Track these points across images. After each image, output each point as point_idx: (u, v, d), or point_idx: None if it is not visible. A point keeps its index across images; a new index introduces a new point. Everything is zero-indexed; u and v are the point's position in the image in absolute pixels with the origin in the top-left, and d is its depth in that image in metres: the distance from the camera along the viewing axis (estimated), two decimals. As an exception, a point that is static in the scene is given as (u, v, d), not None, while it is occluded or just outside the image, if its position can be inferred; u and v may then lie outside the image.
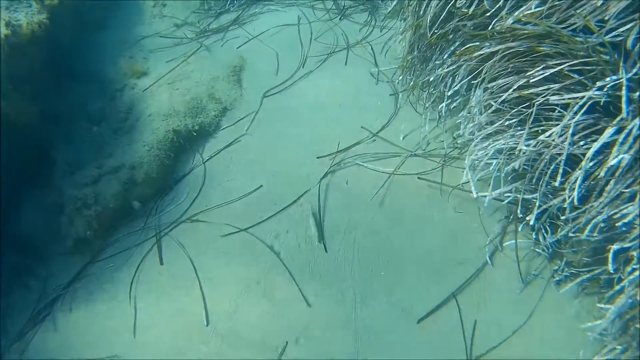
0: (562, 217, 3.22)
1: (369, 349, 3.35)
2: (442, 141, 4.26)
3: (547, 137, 3.12)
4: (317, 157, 4.39)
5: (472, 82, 3.74)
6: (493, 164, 3.51)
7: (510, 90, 3.30)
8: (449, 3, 3.79)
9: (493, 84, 3.50)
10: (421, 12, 4.12)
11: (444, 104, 4.02)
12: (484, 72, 3.58)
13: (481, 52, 3.54)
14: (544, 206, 3.33)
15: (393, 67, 5.03)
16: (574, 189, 3.02)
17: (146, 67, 5.55)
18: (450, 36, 3.92)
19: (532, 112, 3.19)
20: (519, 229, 3.60)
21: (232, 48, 5.77)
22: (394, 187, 4.08)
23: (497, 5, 3.42)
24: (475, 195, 3.62)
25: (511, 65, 3.43)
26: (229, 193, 4.35)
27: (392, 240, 3.81)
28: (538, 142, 3.19)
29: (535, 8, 3.17)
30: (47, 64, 4.75)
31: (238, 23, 6.10)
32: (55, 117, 4.90)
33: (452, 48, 3.92)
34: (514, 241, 3.62)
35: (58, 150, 4.65)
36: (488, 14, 3.53)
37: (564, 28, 3.07)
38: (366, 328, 3.44)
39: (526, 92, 3.25)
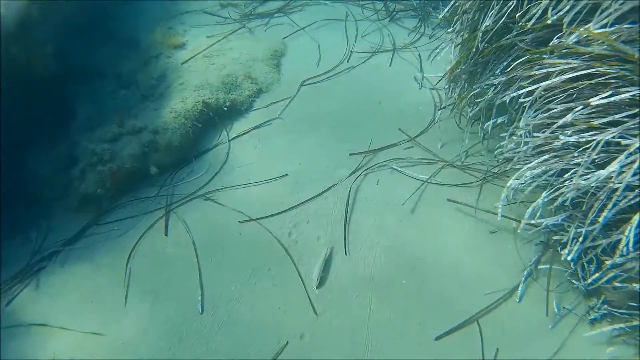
0: (608, 262, 2.92)
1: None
2: (482, 154, 4.01)
3: (608, 172, 2.81)
4: (350, 154, 4.14)
5: (523, 100, 3.46)
6: (532, 187, 3.23)
7: (569, 117, 3.01)
8: (506, 14, 3.52)
9: (547, 108, 3.22)
10: (475, 22, 3.85)
11: (490, 123, 3.76)
12: (537, 92, 3.30)
13: (536, 72, 3.27)
14: (589, 243, 3.03)
15: (438, 75, 4.79)
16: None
17: (185, 39, 5.40)
18: (504, 51, 3.66)
19: (594, 146, 2.89)
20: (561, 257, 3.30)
21: (275, 34, 5.62)
22: (427, 196, 3.82)
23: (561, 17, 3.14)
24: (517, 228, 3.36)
25: (570, 87, 3.16)
26: (251, 176, 4.11)
27: (418, 249, 3.54)
28: (596, 178, 2.88)
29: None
30: (83, 18, 4.56)
31: (284, 11, 5.93)
32: (83, 72, 4.72)
33: (504, 63, 3.65)
34: (548, 266, 3.31)
35: (81, 105, 4.46)
36: (549, 29, 3.27)
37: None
38: (377, 337, 3.14)
39: (585, 123, 2.97)
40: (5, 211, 3.93)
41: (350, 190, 3.88)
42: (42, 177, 4.03)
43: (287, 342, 3.12)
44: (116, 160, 3.95)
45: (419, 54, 5.18)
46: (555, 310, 3.17)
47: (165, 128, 4.20)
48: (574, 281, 3.24)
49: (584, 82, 3.00)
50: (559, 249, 3.25)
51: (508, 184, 3.28)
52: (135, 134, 4.13)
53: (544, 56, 3.25)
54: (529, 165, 3.18)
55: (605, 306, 3.12)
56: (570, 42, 2.97)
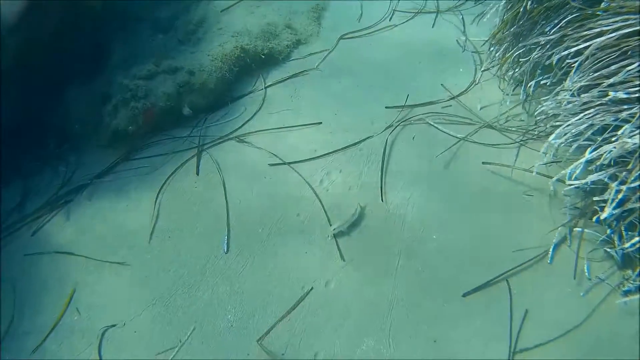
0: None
1: (402, 313, 2.99)
2: (522, 120, 3.86)
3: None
4: (386, 107, 4.05)
5: (571, 60, 3.32)
6: (573, 148, 3.10)
7: (621, 75, 2.87)
8: None
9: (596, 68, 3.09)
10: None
11: (533, 82, 3.63)
12: (589, 50, 3.16)
13: (587, 32, 3.13)
14: (630, 205, 2.91)
15: (482, 39, 4.65)
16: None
17: (226, -14, 5.26)
18: (555, 10, 3.51)
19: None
20: (593, 221, 3.17)
21: (316, -12, 5.45)
22: (462, 154, 3.72)
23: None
24: (551, 186, 3.27)
25: (624, 44, 3.02)
26: (286, 122, 4.04)
27: (451, 206, 3.45)
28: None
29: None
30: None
31: (328, -35, 5.77)
32: (122, 14, 4.66)
33: (555, 22, 3.51)
34: (584, 230, 3.20)
35: (117, 46, 4.41)
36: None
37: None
38: (402, 289, 3.08)
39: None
40: (36, 145, 3.93)
41: (387, 142, 3.79)
42: (75, 112, 4.00)
43: (312, 288, 3.06)
44: (150, 97, 3.90)
45: (462, 17, 5.02)
46: (587, 276, 3.06)
47: (201, 70, 4.14)
48: (607, 249, 3.10)
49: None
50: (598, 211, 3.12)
51: (550, 139, 3.17)
52: (170, 74, 4.08)
53: (599, 13, 3.10)
54: (574, 119, 3.05)
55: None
56: None
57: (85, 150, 4.00)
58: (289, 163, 3.73)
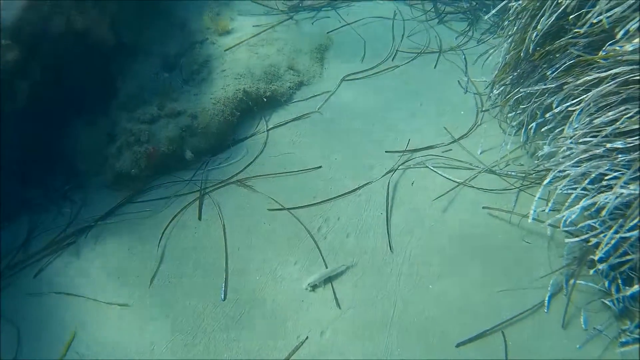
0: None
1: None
2: (522, 164, 3.89)
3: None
4: (386, 152, 4.09)
5: (571, 109, 3.36)
6: (573, 195, 3.12)
7: (621, 122, 2.91)
8: (560, 18, 3.42)
9: (598, 115, 3.11)
10: (526, 25, 3.75)
11: (534, 123, 3.66)
12: (588, 98, 3.19)
13: (589, 78, 3.17)
14: (628, 257, 2.92)
15: (483, 80, 4.70)
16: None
17: (231, 27, 5.37)
18: (557, 55, 3.55)
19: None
20: (590, 272, 3.18)
21: (321, 27, 5.60)
22: (461, 199, 3.74)
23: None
24: (548, 231, 3.30)
25: (623, 91, 3.05)
26: (287, 166, 4.09)
27: (449, 253, 3.47)
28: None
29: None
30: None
31: (332, 5, 5.90)
32: (130, 49, 4.75)
33: (555, 66, 3.55)
34: (581, 282, 3.21)
35: (123, 82, 4.50)
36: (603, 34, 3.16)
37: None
38: (399, 338, 3.08)
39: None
40: (42, 182, 4.00)
41: (388, 188, 3.84)
42: (80, 151, 4.10)
43: (307, 337, 3.08)
44: (153, 141, 3.97)
45: (465, 58, 5.08)
46: (584, 327, 3.05)
47: (204, 113, 4.21)
48: (604, 300, 3.10)
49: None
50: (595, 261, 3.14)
51: (544, 182, 3.20)
52: (173, 117, 4.16)
53: (601, 61, 3.14)
54: (569, 163, 3.07)
55: (638, 330, 3.00)
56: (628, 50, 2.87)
57: (90, 189, 4.07)
58: (289, 209, 3.75)
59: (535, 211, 3.31)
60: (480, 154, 4.08)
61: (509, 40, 3.89)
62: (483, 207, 3.65)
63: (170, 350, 3.08)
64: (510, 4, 3.91)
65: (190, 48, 5.04)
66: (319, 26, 5.56)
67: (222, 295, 3.31)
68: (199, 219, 3.75)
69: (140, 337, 3.16)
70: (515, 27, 3.83)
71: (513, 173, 3.83)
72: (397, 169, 3.99)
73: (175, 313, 3.25)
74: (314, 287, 3.27)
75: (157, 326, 3.20)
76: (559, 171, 3.21)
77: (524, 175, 3.79)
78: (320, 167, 4.04)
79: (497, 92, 4.22)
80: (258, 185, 3.95)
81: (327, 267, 3.39)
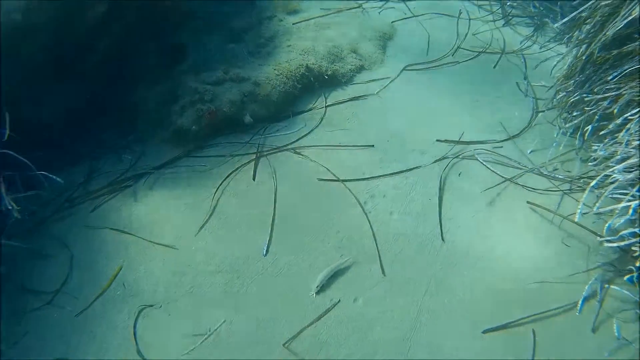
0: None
1: (423, 345, 3.07)
2: (569, 171, 3.91)
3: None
4: (437, 140, 4.17)
5: (630, 117, 3.38)
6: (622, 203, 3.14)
7: None
8: (629, 26, 3.45)
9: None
10: (595, 33, 3.78)
11: (590, 126, 3.69)
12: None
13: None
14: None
15: (542, 85, 4.72)
16: None
17: (300, 6, 5.51)
18: (621, 61, 3.58)
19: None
20: (624, 279, 3.22)
21: (387, 17, 5.68)
22: (508, 195, 3.80)
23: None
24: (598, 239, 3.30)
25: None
26: (341, 141, 4.23)
27: (489, 243, 3.53)
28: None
29: None
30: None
31: (400, -2, 5.98)
32: (200, 20, 4.94)
33: (617, 72, 3.58)
34: (616, 288, 3.23)
35: (191, 50, 4.69)
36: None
37: None
38: (425, 322, 3.16)
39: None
40: (105, 132, 4.22)
41: (441, 177, 3.92)
42: (145, 107, 4.29)
43: (339, 301, 3.19)
44: (215, 102, 4.14)
45: (525, 62, 5.10)
46: (617, 336, 3.05)
47: (266, 82, 4.36)
48: (638, 311, 3.12)
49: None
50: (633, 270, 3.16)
51: (592, 183, 3.23)
52: (237, 82, 4.32)
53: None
54: (623, 164, 3.11)
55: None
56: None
57: (149, 143, 4.27)
58: (343, 180, 3.88)
59: (580, 212, 3.34)
60: (530, 152, 4.12)
61: (577, 46, 3.91)
62: (527, 202, 3.68)
63: (206, 297, 3.25)
64: (580, 15, 3.93)
65: (258, 23, 5.21)
66: (385, 15, 5.66)
67: (264, 251, 3.44)
68: (253, 179, 3.90)
69: (180, 280, 3.34)
70: (584, 35, 3.86)
71: (561, 176, 3.84)
72: (446, 157, 4.04)
73: (216, 262, 3.41)
74: (321, 289, 3.24)
75: (198, 272, 3.38)
76: (605, 175, 3.24)
77: (571, 179, 3.80)
78: (372, 146, 4.14)
79: (558, 96, 4.23)
80: (312, 155, 4.08)
81: (373, 234, 3.49)
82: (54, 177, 3.33)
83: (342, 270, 3.37)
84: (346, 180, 3.88)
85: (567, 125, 4.09)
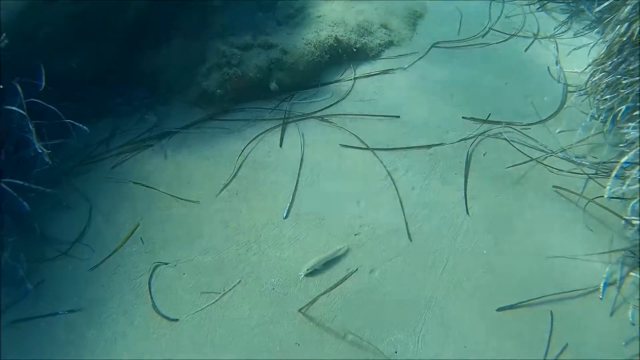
0: None
1: (437, 314, 3.03)
2: (595, 157, 3.83)
3: None
4: (463, 117, 4.12)
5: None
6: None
7: None
8: None
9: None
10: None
11: (624, 107, 3.61)
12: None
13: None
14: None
15: (574, 72, 4.63)
16: None
17: (331, -21, 5.44)
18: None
19: None
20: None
21: (418, -5, 5.59)
22: (533, 175, 3.73)
23: None
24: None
25: None
26: (367, 111, 4.20)
27: (512, 221, 3.47)
28: None
29: None
30: None
31: (434, -23, 5.89)
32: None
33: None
34: (635, 275, 3.15)
35: (219, 16, 4.64)
36: None
37: None
38: (442, 295, 3.11)
39: None
40: (130, 91, 4.22)
41: (468, 153, 3.87)
42: (170, 68, 4.26)
43: (357, 269, 3.16)
44: (242, 66, 4.12)
45: (557, 47, 5.00)
46: (631, 321, 2.98)
47: (294, 51, 4.33)
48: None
49: None
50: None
51: (621, 160, 3.16)
52: (265, 49, 4.29)
53: None
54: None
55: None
56: None
57: (174, 104, 4.28)
58: (373, 149, 3.87)
59: (609, 192, 3.28)
60: (559, 132, 4.06)
61: (619, 24, 3.83)
62: (553, 186, 3.62)
63: (222, 258, 3.23)
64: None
65: (287, -8, 5.16)
66: (418, -6, 5.58)
67: (285, 214, 3.43)
68: (280, 144, 3.92)
69: (197, 240, 3.33)
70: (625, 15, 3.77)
71: (587, 162, 3.77)
72: (472, 136, 3.99)
73: (236, 224, 3.40)
74: (312, 272, 3.13)
75: (215, 232, 3.37)
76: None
77: (598, 163, 3.73)
78: (398, 116, 4.11)
79: (594, 78, 4.14)
80: (339, 124, 4.07)
81: (406, 221, 3.45)
82: (81, 125, 3.30)
83: (361, 243, 3.33)
84: (371, 149, 3.87)
85: (601, 107, 3.99)
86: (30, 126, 3.03)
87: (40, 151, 3.03)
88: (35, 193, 3.05)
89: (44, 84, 3.12)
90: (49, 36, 3.37)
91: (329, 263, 3.18)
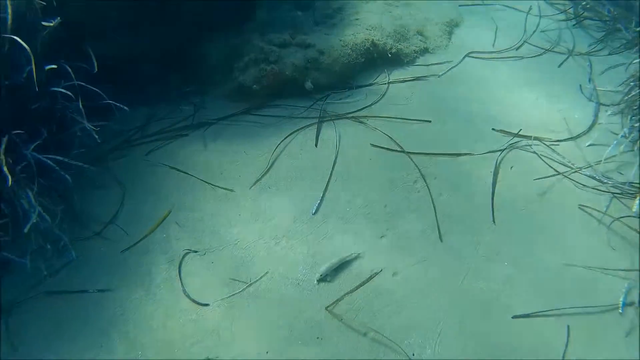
0: None
1: (455, 320, 3.08)
2: (622, 173, 3.86)
3: None
4: (493, 129, 4.16)
5: None
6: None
7: None
8: None
9: None
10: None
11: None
12: None
13: None
14: None
15: (608, 90, 4.64)
16: None
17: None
18: None
19: None
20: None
21: (455, 3, 5.63)
22: (559, 189, 3.78)
23: None
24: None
25: None
26: (400, 115, 4.27)
27: (535, 233, 3.52)
28: None
29: None
30: None
31: (471, -14, 5.93)
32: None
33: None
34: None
35: (259, 10, 4.71)
36: None
37: None
38: (464, 300, 3.17)
39: None
40: (167, 81, 4.30)
41: (496, 164, 3.92)
42: (208, 61, 4.35)
43: (381, 270, 3.23)
44: (279, 63, 4.20)
45: (591, 65, 5.01)
46: None
47: (331, 52, 4.40)
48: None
49: None
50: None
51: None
52: (302, 48, 4.37)
53: None
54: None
55: None
56: None
57: (210, 96, 4.37)
58: (409, 153, 3.94)
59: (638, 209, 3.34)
60: (588, 146, 4.10)
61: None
62: (579, 205, 3.65)
63: (251, 250, 3.33)
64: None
65: (326, -7, 5.22)
66: (454, 1, 5.61)
67: (314, 210, 3.52)
68: (316, 142, 4.00)
69: (226, 231, 3.43)
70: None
71: (612, 182, 3.80)
72: (502, 148, 4.04)
73: (266, 216, 3.50)
74: (325, 278, 3.18)
75: (246, 225, 3.46)
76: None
77: (624, 182, 3.76)
78: (429, 121, 4.19)
79: (629, 95, 4.16)
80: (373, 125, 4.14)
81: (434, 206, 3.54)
82: (123, 106, 3.41)
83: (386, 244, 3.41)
84: (404, 152, 3.94)
85: (635, 126, 4.01)
86: (80, 106, 3.13)
87: (89, 128, 3.12)
88: (73, 171, 3.14)
89: (96, 67, 3.21)
90: (93, 20, 3.48)
91: (340, 267, 3.23)
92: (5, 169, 2.59)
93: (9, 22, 2.77)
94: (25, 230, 2.76)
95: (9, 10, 2.76)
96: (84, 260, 3.20)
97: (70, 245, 3.13)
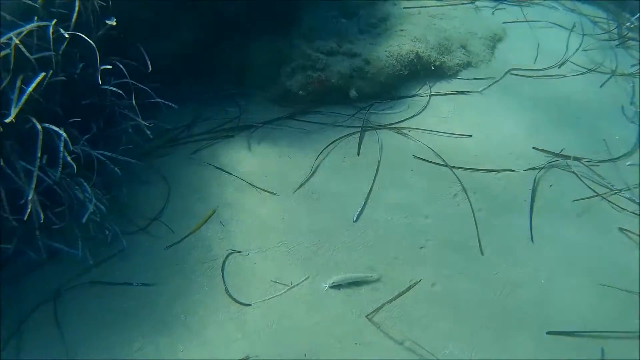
0: None
1: (490, 334, 3.12)
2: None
3: None
4: (533, 148, 4.19)
5: None
6: None
7: None
8: None
9: None
10: None
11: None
12: None
13: None
14: None
15: (650, 112, 4.66)
16: None
17: (413, -5, 5.55)
18: None
19: None
20: None
21: (499, 18, 5.69)
22: (597, 210, 3.81)
23: None
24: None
25: None
26: (441, 129, 4.32)
27: (573, 253, 3.55)
28: None
29: None
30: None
31: (514, 1, 5.95)
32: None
33: None
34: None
35: (305, 17, 4.79)
36: None
37: None
38: (509, 312, 3.21)
39: None
40: (213, 83, 4.39)
41: (535, 181, 3.96)
42: (255, 65, 4.43)
43: (420, 280, 3.27)
44: (326, 71, 4.27)
45: (634, 86, 5.01)
46: None
47: (376, 62, 4.47)
48: None
49: None
50: None
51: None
52: (349, 57, 4.44)
53: None
54: None
55: None
56: None
57: (255, 99, 4.46)
58: (452, 167, 4.00)
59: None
60: (629, 165, 4.16)
61: None
62: (619, 228, 3.68)
63: (293, 253, 3.40)
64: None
65: (371, 2, 5.27)
66: (497, 16, 5.68)
67: (355, 217, 3.59)
68: (358, 151, 4.07)
69: (271, 234, 3.49)
70: None
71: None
72: (541, 167, 4.07)
73: (308, 222, 3.57)
74: (337, 286, 3.21)
75: (290, 228, 3.53)
76: None
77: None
78: (470, 135, 4.24)
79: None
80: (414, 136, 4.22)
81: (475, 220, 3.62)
82: (172, 104, 3.49)
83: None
84: (443, 165, 4.00)
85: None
86: (133, 103, 3.23)
87: (143, 125, 3.22)
88: (120, 167, 3.24)
89: (150, 67, 3.29)
90: (146, 19, 3.59)
91: (355, 283, 3.25)
92: (69, 158, 2.68)
93: (74, 19, 2.85)
94: (84, 220, 2.84)
95: (76, 9, 2.84)
96: (128, 254, 3.29)
97: (121, 236, 3.21)
